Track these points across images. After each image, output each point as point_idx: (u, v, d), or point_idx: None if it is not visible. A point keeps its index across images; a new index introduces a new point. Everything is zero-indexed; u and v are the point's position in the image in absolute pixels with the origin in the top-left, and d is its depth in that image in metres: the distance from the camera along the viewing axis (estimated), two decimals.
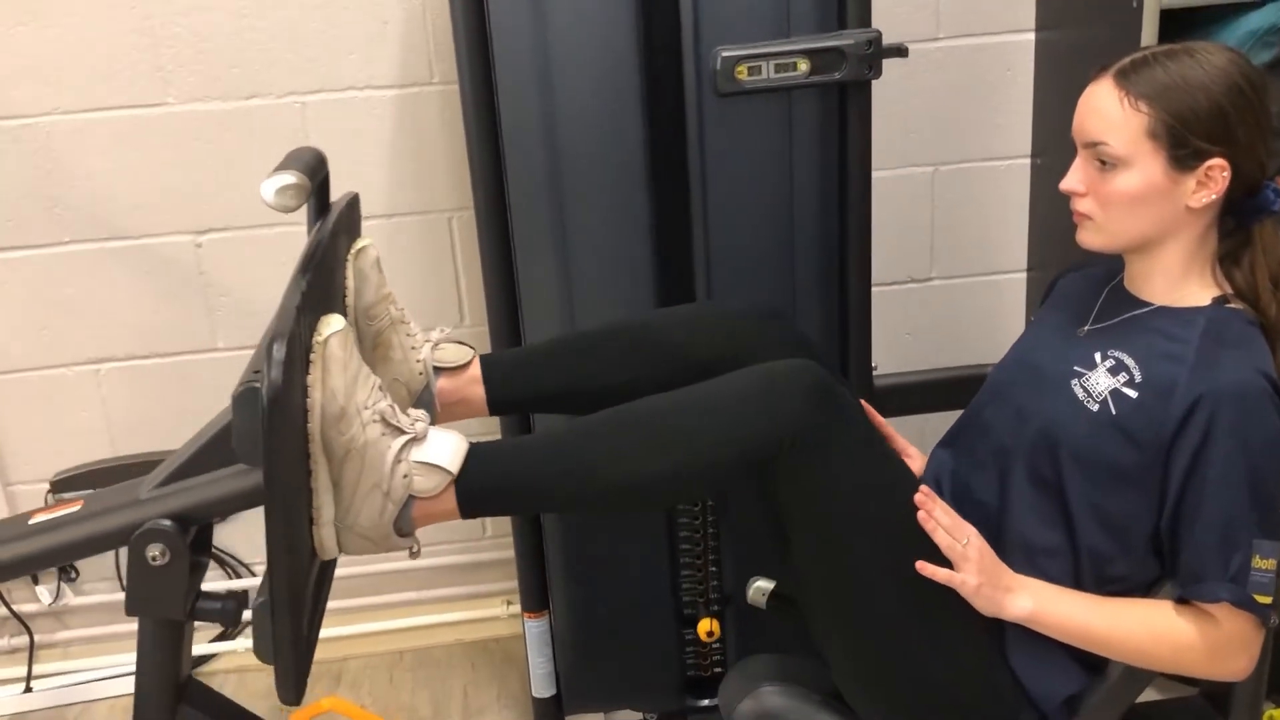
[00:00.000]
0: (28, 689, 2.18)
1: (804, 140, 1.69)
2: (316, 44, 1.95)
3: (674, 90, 1.64)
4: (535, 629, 1.93)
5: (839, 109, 1.68)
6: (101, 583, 2.20)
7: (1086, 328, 1.33)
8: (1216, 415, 1.15)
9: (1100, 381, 1.25)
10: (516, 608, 1.93)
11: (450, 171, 2.02)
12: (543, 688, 1.97)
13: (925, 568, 1.21)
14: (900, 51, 1.66)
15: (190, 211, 2.01)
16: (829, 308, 1.80)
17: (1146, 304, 1.28)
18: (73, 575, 2.19)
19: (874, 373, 1.87)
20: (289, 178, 1.14)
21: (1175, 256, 1.25)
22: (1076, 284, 1.42)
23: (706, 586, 1.88)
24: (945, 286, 2.21)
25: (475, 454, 1.22)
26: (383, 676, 2.23)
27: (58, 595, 2.19)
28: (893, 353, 1.96)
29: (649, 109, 1.64)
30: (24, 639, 2.19)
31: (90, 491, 1.32)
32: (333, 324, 1.14)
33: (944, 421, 1.63)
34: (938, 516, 1.23)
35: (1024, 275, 2.21)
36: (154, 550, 1.16)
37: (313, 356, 1.12)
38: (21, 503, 2.13)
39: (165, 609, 1.19)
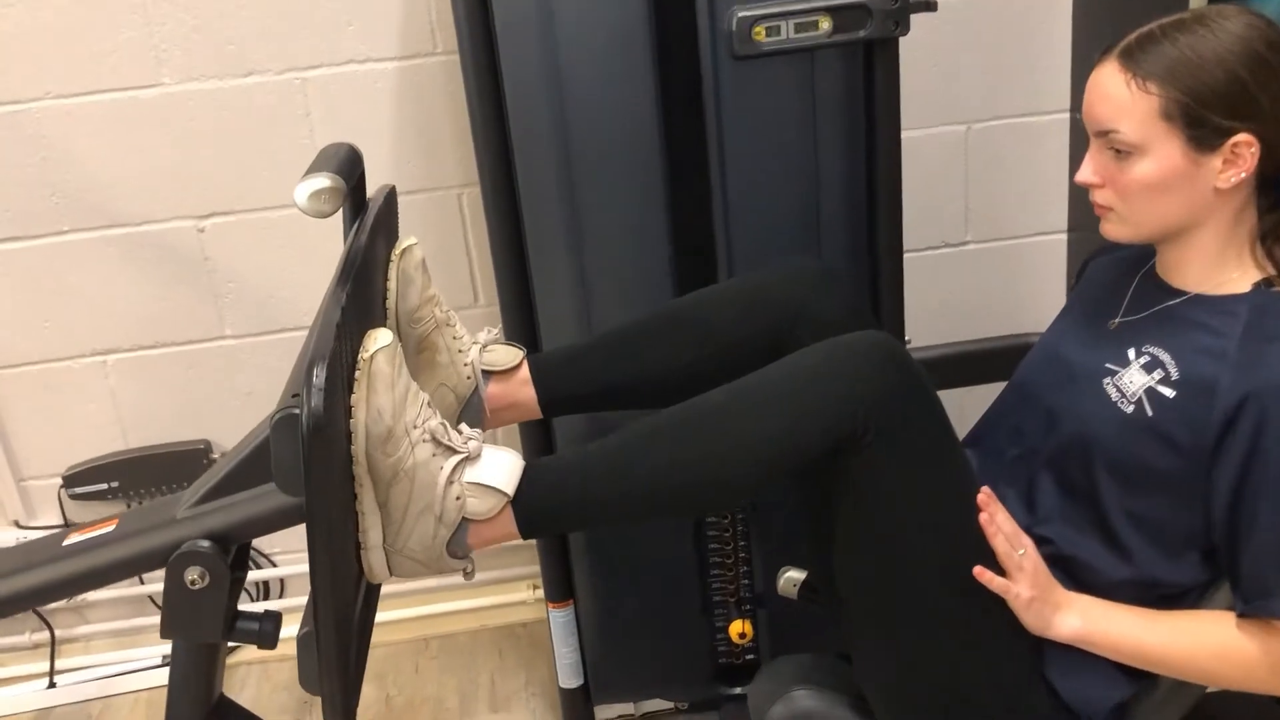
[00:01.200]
0: (51, 684, 2.15)
1: (828, 104, 1.59)
2: (313, 16, 1.86)
3: (688, 54, 1.54)
4: (560, 618, 1.87)
5: (865, 69, 1.58)
6: None
7: (1117, 320, 1.23)
8: (1266, 415, 1.05)
9: (1134, 380, 1.15)
10: (542, 592, 1.87)
11: (458, 146, 1.94)
12: (570, 678, 1.91)
13: (983, 573, 1.13)
14: (929, 5, 1.55)
15: (191, 196, 1.94)
16: (858, 279, 1.71)
17: (1181, 293, 1.18)
18: None
19: (908, 345, 1.78)
20: (322, 180, 1.06)
21: (1210, 241, 1.15)
22: (1107, 269, 1.31)
23: (738, 585, 1.81)
24: (980, 251, 2.10)
25: (531, 473, 1.14)
26: (408, 665, 2.18)
27: None
28: (926, 323, 1.86)
29: (661, 75, 1.55)
30: (45, 634, 2.16)
31: (124, 511, 1.26)
32: (380, 339, 1.06)
33: (982, 397, 1.54)
34: (1000, 521, 1.14)
35: (1064, 236, 2.10)
36: (193, 574, 1.10)
37: (357, 374, 1.04)
38: (35, 498, 2.09)
39: (203, 633, 1.13)
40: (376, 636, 2.19)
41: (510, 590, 2.24)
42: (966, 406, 1.62)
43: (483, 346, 1.33)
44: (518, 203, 1.61)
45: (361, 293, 1.10)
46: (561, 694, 1.94)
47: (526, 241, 1.63)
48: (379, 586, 1.23)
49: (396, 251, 1.27)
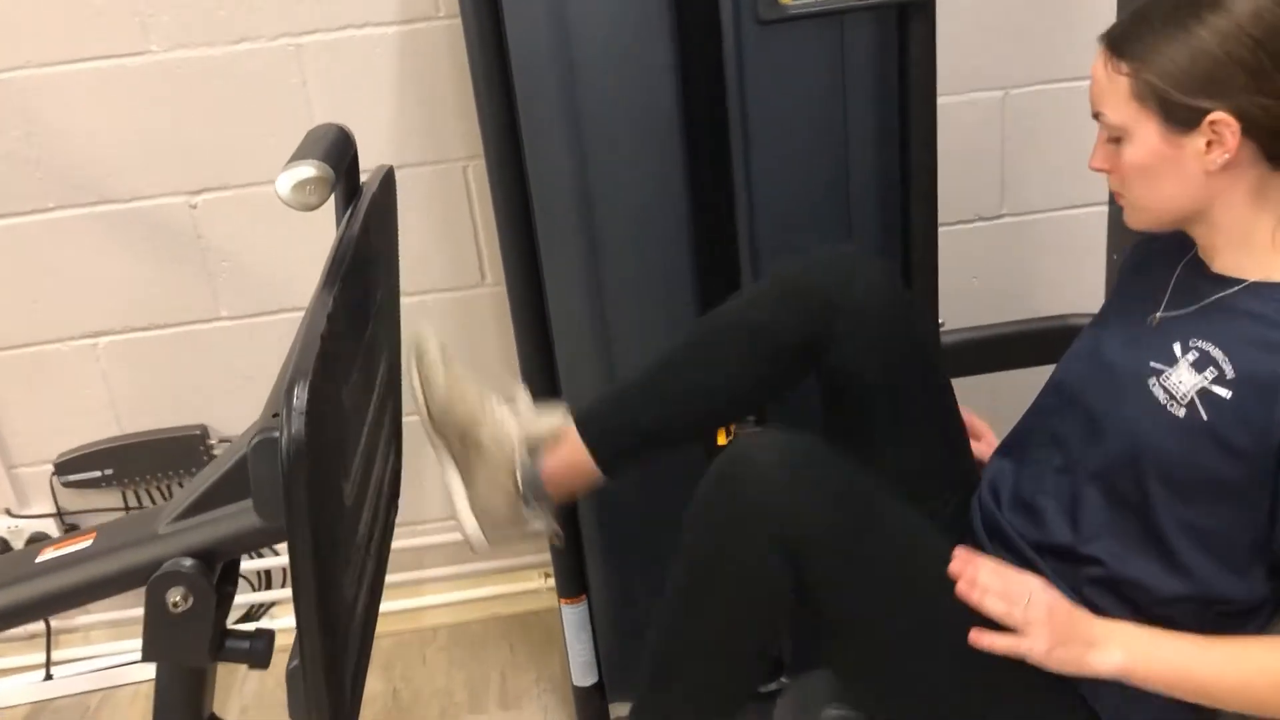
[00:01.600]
0: (48, 676, 2.08)
1: (858, 70, 1.48)
2: None
3: (708, 18, 1.43)
4: (573, 615, 1.78)
5: (898, 33, 1.47)
6: None
7: (1160, 314, 1.12)
8: None
9: (1184, 379, 1.05)
10: (553, 580, 1.79)
11: (463, 116, 1.83)
12: (584, 675, 1.83)
13: (981, 638, 1.04)
14: None
15: (182, 170, 1.84)
16: (890, 254, 1.60)
17: (1229, 281, 1.07)
18: None
19: (941, 327, 1.67)
20: (307, 169, 0.95)
21: (1233, 224, 1.06)
22: (1146, 259, 1.21)
23: None
24: (1017, 225, 1.98)
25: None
26: (415, 656, 2.10)
27: None
28: (957, 303, 1.75)
29: (679, 40, 1.44)
30: (40, 625, 2.09)
31: (102, 523, 1.17)
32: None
33: (1017, 383, 1.44)
34: (985, 581, 1.05)
35: (1105, 209, 1.98)
36: (175, 595, 1.01)
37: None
38: (27, 486, 2.01)
39: (187, 656, 1.05)
40: (383, 626, 2.11)
41: (521, 579, 2.16)
42: (999, 393, 1.52)
43: (522, 419, 1.27)
44: (525, 176, 1.50)
45: (353, 292, 1.00)
46: (575, 691, 1.86)
47: (534, 217, 1.52)
48: (378, 602, 1.14)
49: (410, 357, 1.22)
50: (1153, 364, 1.09)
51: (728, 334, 1.28)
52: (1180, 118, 1.02)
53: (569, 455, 1.27)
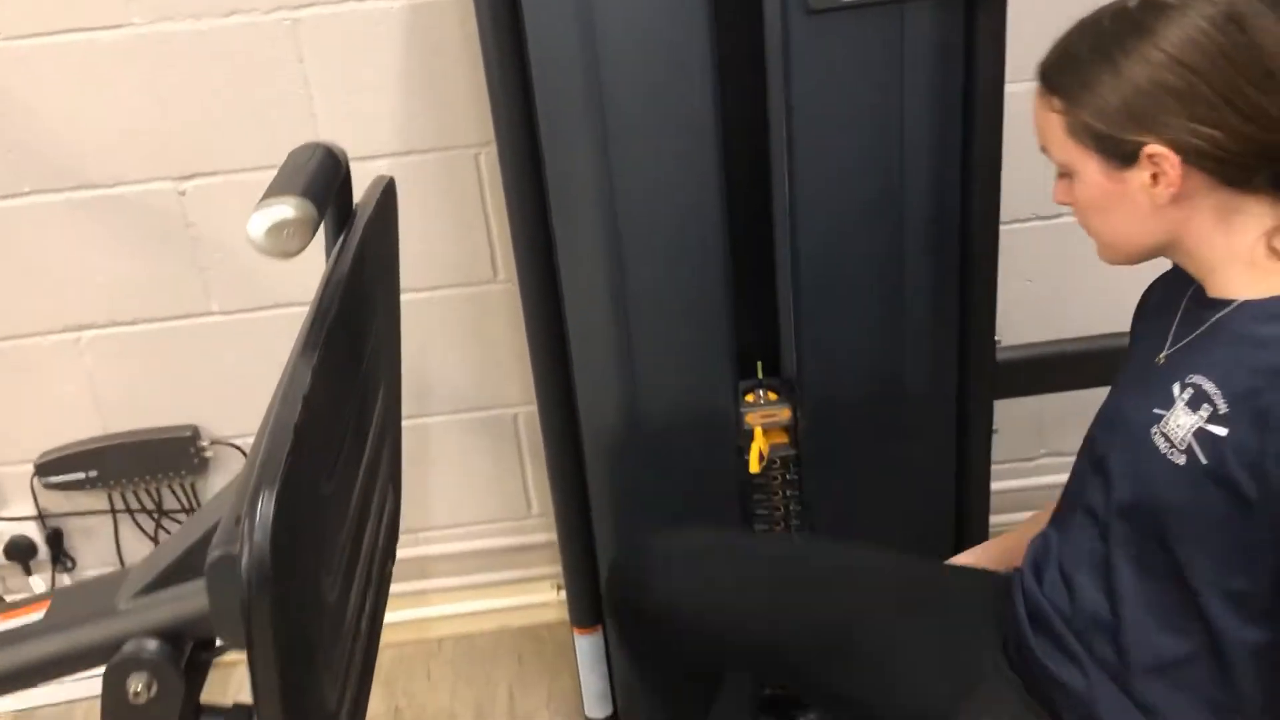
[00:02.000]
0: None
1: (918, 65, 1.32)
2: None
3: (751, 5, 1.27)
4: (587, 645, 1.66)
5: (965, 22, 1.30)
6: (104, 568, 1.97)
7: (1165, 352, 1.02)
8: None
9: (1181, 423, 0.94)
10: (567, 607, 1.66)
11: (475, 99, 1.67)
12: (597, 707, 1.71)
13: None
14: None
15: (170, 154, 1.69)
16: (944, 266, 1.45)
17: (1223, 303, 0.97)
18: (69, 565, 1.95)
19: (997, 344, 1.52)
20: (284, 209, 0.79)
21: (1209, 251, 0.97)
22: (1159, 293, 1.11)
23: None
24: (1077, 225, 1.82)
25: None
26: (420, 671, 1.99)
27: (53, 586, 1.96)
28: (1011, 310, 1.60)
29: (718, 28, 1.28)
30: None
31: (58, 589, 1.04)
32: None
33: (1068, 408, 1.30)
34: None
35: None
36: (136, 684, 0.87)
37: None
38: (7, 487, 1.89)
39: None
40: (386, 637, 2.00)
41: (532, 590, 2.04)
42: (1045, 417, 1.38)
43: None
44: (541, 168, 1.35)
45: (340, 347, 0.85)
46: None
47: (550, 211, 1.38)
48: (368, 684, 1.01)
49: None
50: (1155, 410, 0.98)
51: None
52: (1117, 153, 0.96)
53: None
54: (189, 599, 0.90)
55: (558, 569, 1.90)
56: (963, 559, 1.33)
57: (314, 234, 0.80)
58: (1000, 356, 1.52)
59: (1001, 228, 1.77)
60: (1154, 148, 0.93)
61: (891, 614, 1.21)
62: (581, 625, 1.64)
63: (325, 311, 0.81)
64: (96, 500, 1.89)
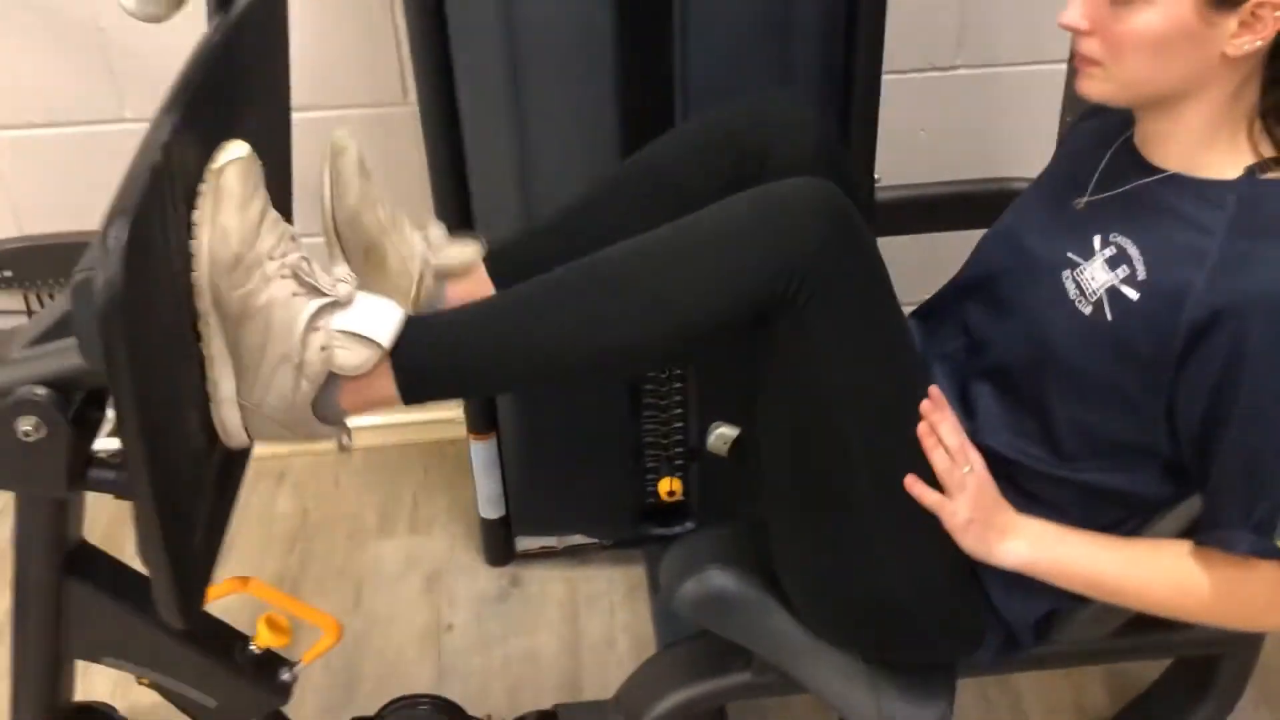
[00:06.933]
0: None
1: None
2: None
3: None
4: (482, 450, 1.77)
5: None
6: None
7: (1085, 199, 1.06)
8: (1244, 335, 0.91)
9: (1096, 276, 1.00)
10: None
11: None
12: (490, 509, 1.83)
13: (914, 486, 1.02)
14: None
15: None
16: (830, 101, 1.52)
17: (1158, 170, 1.01)
18: None
19: (876, 183, 1.61)
20: None
21: (1202, 115, 0.97)
22: (1085, 138, 1.13)
23: (670, 434, 1.70)
24: (971, 78, 1.89)
25: (414, 324, 1.00)
26: (328, 478, 2.09)
27: None
28: (899, 158, 1.67)
29: None
30: None
31: None
32: (232, 150, 0.92)
33: (955, 245, 1.39)
34: (943, 433, 1.02)
35: (1064, 67, 1.89)
36: (26, 424, 0.95)
37: (203, 188, 0.91)
38: None
39: (44, 487, 1.01)
40: (297, 445, 2.11)
41: (438, 407, 2.13)
42: (936, 254, 1.47)
43: (432, 246, 1.16)
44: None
45: (210, 102, 0.91)
46: (482, 523, 1.86)
47: (451, 37, 1.42)
48: (246, 453, 1.10)
49: (329, 152, 1.10)
50: (1069, 255, 1.04)
51: (641, 183, 1.20)
52: None
53: (474, 290, 1.19)
54: (76, 351, 0.98)
55: None
56: None
57: (179, 4, 0.85)
58: (880, 196, 1.61)
59: (899, 76, 1.85)
60: None
61: None
62: (477, 432, 1.74)
63: (189, 80, 0.87)
64: (12, 300, 1.94)
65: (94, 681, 1.48)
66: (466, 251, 1.19)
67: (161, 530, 0.87)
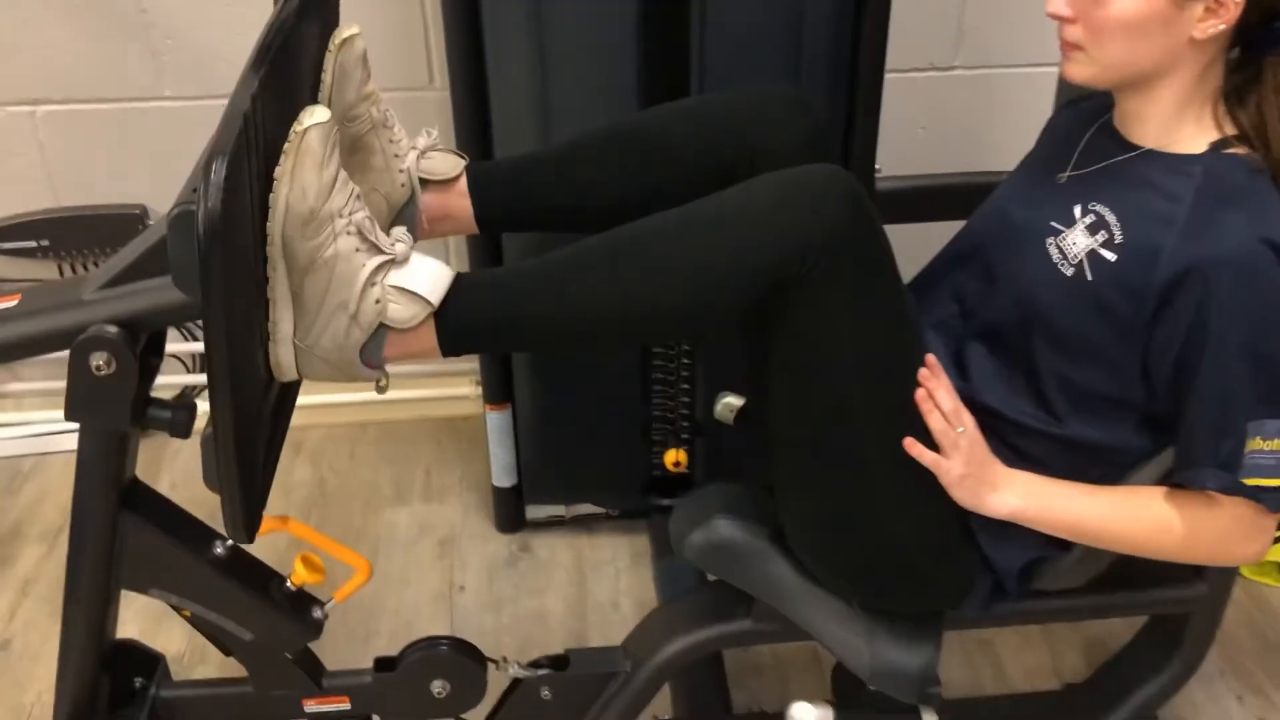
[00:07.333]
0: None
1: None
2: None
3: None
4: (497, 420, 1.86)
5: None
6: None
7: (1067, 173, 1.16)
8: (1210, 291, 1.01)
9: (1078, 241, 1.10)
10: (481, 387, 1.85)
11: None
12: (503, 477, 1.92)
13: (913, 447, 1.11)
14: None
15: None
16: (836, 94, 1.62)
17: (1134, 147, 1.12)
18: None
19: (877, 174, 1.70)
20: None
21: (1172, 94, 1.08)
22: (1068, 122, 1.24)
23: (678, 408, 1.79)
24: (969, 78, 1.99)
25: (460, 285, 1.08)
26: (344, 450, 2.18)
27: None
28: (902, 151, 1.77)
29: None
30: None
31: (27, 285, 1.20)
32: (316, 115, 0.99)
33: (949, 233, 1.48)
34: (939, 398, 1.11)
35: (1056, 70, 1.99)
36: (99, 359, 1.04)
37: (287, 147, 0.98)
38: None
39: (109, 419, 1.09)
40: (316, 418, 2.19)
41: (453, 384, 2.22)
42: (931, 240, 1.57)
43: (421, 153, 1.25)
44: None
45: (281, 76, 1.01)
46: (494, 491, 1.95)
47: (484, 23, 1.51)
48: (297, 387, 1.19)
49: (335, 42, 1.17)
50: (1052, 223, 1.14)
51: (634, 142, 1.27)
52: None
53: (452, 200, 1.26)
54: (143, 295, 1.07)
55: (476, 365, 2.09)
56: None
57: None
58: (880, 185, 1.70)
59: (902, 75, 1.95)
60: None
61: None
62: (493, 402, 1.83)
63: (270, 43, 0.96)
64: (47, 270, 2.02)
65: (124, 628, 1.56)
66: (450, 161, 1.26)
67: (235, 450, 0.96)
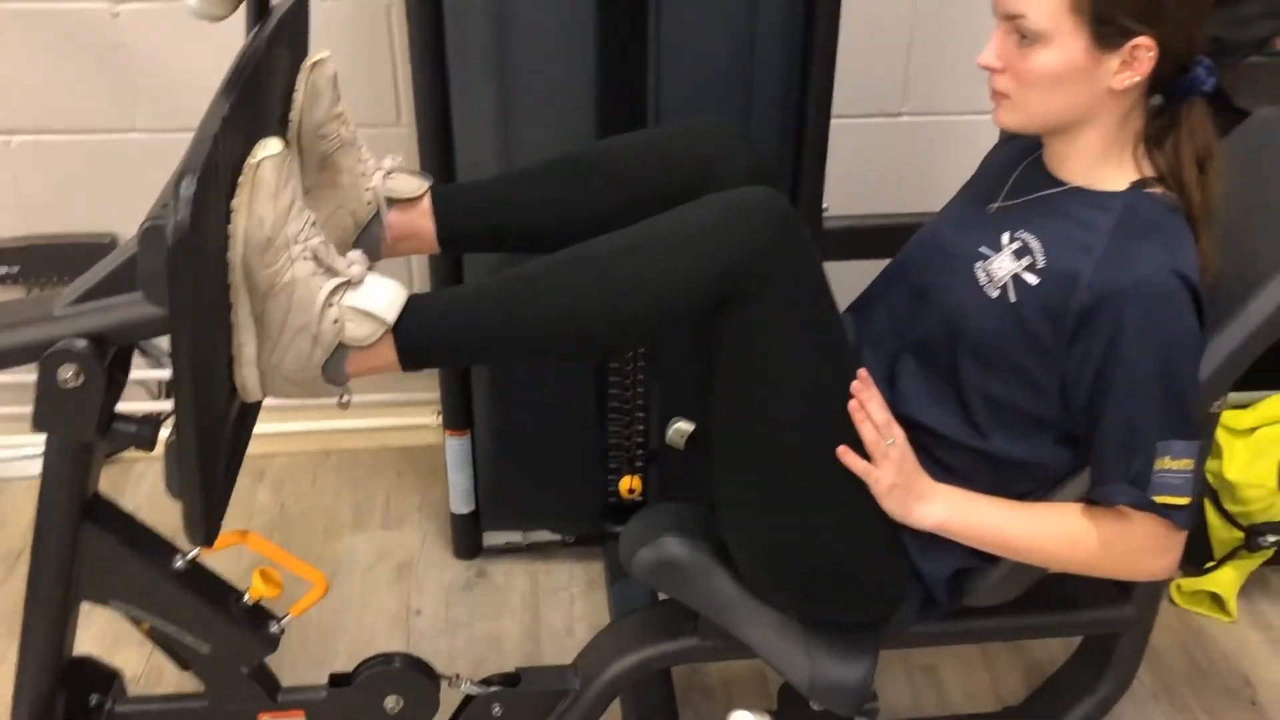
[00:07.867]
0: None
1: None
2: None
3: None
4: (456, 446, 1.90)
5: None
6: None
7: (997, 204, 1.25)
8: (1123, 316, 1.09)
9: (1003, 265, 1.18)
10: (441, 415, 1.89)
11: None
12: (461, 504, 1.96)
13: (845, 455, 1.17)
14: None
15: None
16: (785, 137, 1.69)
17: (1061, 183, 1.20)
18: None
19: (825, 213, 1.78)
20: None
21: (1095, 138, 1.16)
22: (1000, 158, 1.33)
23: (633, 434, 1.84)
24: (915, 124, 2.08)
25: (414, 304, 1.14)
26: (306, 477, 2.21)
27: None
28: (849, 193, 1.85)
29: None
30: None
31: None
32: (268, 147, 1.05)
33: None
34: (870, 410, 1.17)
35: None
36: (67, 372, 1.09)
37: (241, 180, 1.04)
38: None
39: (75, 431, 1.14)
40: (279, 445, 2.23)
41: (414, 414, 2.26)
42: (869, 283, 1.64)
43: (386, 173, 1.31)
44: (442, 18, 1.55)
45: (251, 102, 1.07)
46: (453, 518, 1.99)
47: (449, 63, 1.58)
48: (258, 405, 1.23)
49: (309, 63, 1.23)
50: (981, 249, 1.21)
51: (595, 167, 1.34)
52: (1109, 36, 1.08)
53: (415, 220, 1.32)
54: (111, 310, 1.12)
55: (437, 395, 2.14)
56: None
57: (235, 5, 1.01)
58: (826, 224, 1.78)
59: (851, 120, 2.03)
60: (1143, 39, 1.07)
61: None
62: (453, 428, 1.88)
63: (241, 69, 1.02)
64: (16, 296, 2.05)
65: (82, 649, 1.58)
66: (415, 182, 1.33)
67: (198, 458, 1.00)
